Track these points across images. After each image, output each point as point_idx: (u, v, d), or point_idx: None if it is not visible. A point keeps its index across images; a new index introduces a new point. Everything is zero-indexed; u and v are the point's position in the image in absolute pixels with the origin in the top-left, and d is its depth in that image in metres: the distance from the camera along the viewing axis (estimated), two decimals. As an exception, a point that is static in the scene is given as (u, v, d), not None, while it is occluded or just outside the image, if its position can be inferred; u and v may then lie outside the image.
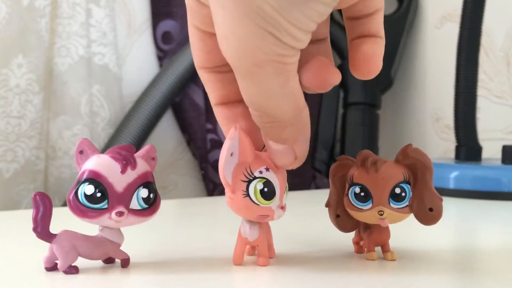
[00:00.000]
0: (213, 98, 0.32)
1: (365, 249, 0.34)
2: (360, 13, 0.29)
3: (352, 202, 0.32)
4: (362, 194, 0.32)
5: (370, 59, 0.29)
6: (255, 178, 0.30)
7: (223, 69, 0.31)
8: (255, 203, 0.30)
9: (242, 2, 0.24)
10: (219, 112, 0.32)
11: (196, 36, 0.30)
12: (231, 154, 0.30)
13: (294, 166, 0.30)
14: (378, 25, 0.29)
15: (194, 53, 0.31)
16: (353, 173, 0.32)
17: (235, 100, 0.31)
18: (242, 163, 0.30)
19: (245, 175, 0.30)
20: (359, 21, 0.29)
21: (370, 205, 0.31)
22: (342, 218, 0.33)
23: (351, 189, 0.32)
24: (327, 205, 0.34)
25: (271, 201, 0.30)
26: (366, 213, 0.32)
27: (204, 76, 0.32)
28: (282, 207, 0.30)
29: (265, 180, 0.30)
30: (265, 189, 0.30)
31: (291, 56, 0.26)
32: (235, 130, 0.29)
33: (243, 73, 0.26)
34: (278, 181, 0.30)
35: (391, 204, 0.31)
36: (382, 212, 0.31)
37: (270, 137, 0.29)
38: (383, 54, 0.29)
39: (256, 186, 0.30)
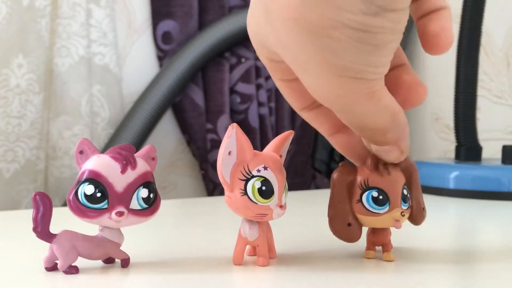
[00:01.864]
0: (324, 132, 0.33)
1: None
2: None
3: (368, 207, 0.31)
4: (381, 197, 0.31)
5: (440, 36, 0.29)
6: (253, 176, 0.30)
7: (319, 104, 0.32)
8: (253, 202, 0.30)
9: (326, 65, 0.26)
10: (336, 142, 0.33)
11: (284, 87, 0.32)
12: (229, 153, 0.30)
13: (402, 159, 0.31)
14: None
15: (289, 101, 0.33)
16: (367, 178, 0.31)
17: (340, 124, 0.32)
18: (240, 162, 0.30)
19: (243, 174, 0.30)
20: (420, 1, 0.29)
21: (387, 208, 0.31)
22: (353, 227, 0.32)
23: (366, 194, 0.31)
24: (330, 216, 0.32)
25: (269, 199, 0.30)
26: (382, 217, 0.31)
27: (306, 116, 0.33)
28: (281, 206, 0.30)
29: (263, 178, 0.30)
30: (263, 188, 0.30)
31: (377, 81, 0.27)
32: (232, 128, 0.30)
33: (339, 111, 0.28)
34: (277, 180, 0.30)
35: (402, 206, 0.31)
36: (404, 213, 0.31)
37: (373, 143, 0.30)
38: (451, 24, 0.29)
39: (254, 184, 0.30)
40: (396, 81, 0.30)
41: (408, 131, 0.30)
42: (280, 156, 0.32)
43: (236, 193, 0.30)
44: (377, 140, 0.30)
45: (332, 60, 0.25)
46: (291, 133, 0.33)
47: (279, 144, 0.32)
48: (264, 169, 0.30)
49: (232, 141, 0.30)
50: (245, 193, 0.30)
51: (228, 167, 0.30)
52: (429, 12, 0.29)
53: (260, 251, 0.31)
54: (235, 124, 0.30)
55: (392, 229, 0.33)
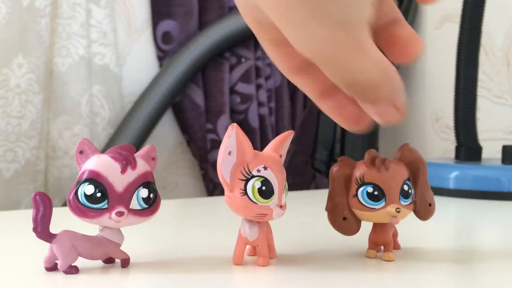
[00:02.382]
0: (314, 95, 0.32)
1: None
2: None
3: (363, 202, 0.32)
4: (376, 193, 0.31)
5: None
6: (253, 176, 0.30)
7: (309, 69, 0.31)
8: (253, 202, 0.30)
9: (308, 12, 0.25)
10: (322, 106, 0.32)
11: (271, 49, 0.31)
12: (229, 153, 0.30)
13: (400, 118, 0.29)
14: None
15: (277, 63, 0.32)
16: (363, 173, 0.32)
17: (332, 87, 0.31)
18: (240, 162, 0.30)
19: (243, 174, 0.30)
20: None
21: (383, 203, 0.31)
22: (348, 221, 0.32)
23: (361, 189, 0.32)
24: (328, 209, 0.33)
25: (269, 199, 0.30)
26: (378, 213, 0.31)
27: (295, 79, 0.32)
28: (281, 206, 0.30)
29: (263, 178, 0.30)
30: (263, 188, 0.30)
31: (362, 31, 0.26)
32: (232, 128, 0.30)
33: (326, 66, 0.27)
34: (277, 180, 0.30)
35: (401, 201, 0.31)
36: (399, 209, 0.31)
37: (367, 102, 0.28)
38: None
39: (254, 184, 0.30)
40: (391, 36, 0.29)
41: (402, 88, 0.29)
42: (280, 156, 0.32)
43: (236, 193, 0.30)
44: (370, 98, 0.28)
45: (313, 5, 0.25)
46: (291, 133, 0.33)
47: (279, 144, 0.32)
48: (264, 169, 0.30)
49: (232, 141, 0.30)
50: (245, 193, 0.30)
51: (228, 167, 0.30)
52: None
53: (260, 251, 0.31)
54: (235, 124, 0.30)
55: (398, 229, 0.34)
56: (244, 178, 0.30)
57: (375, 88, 0.28)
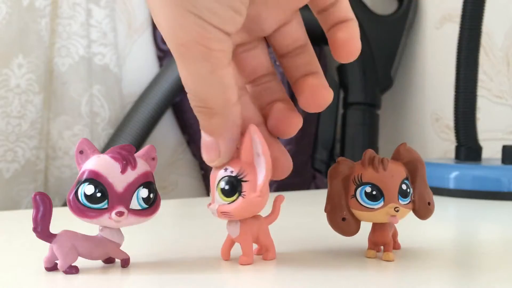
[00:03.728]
0: None
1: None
2: (325, 4, 0.31)
3: (362, 202, 0.32)
4: (374, 193, 0.31)
5: (348, 44, 0.30)
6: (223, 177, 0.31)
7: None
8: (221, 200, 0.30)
9: None
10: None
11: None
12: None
13: (218, 164, 0.30)
14: (345, 9, 0.31)
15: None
16: (361, 173, 0.32)
17: None
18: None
19: None
20: (328, 12, 0.31)
21: (382, 203, 0.31)
22: (348, 222, 0.32)
23: (359, 189, 0.32)
24: (327, 210, 0.33)
25: (230, 198, 0.30)
26: (377, 212, 0.31)
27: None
28: (208, 204, 0.31)
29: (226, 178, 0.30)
30: (226, 187, 0.30)
31: (217, 41, 0.26)
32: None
33: (174, 53, 0.27)
34: (210, 179, 0.31)
35: (399, 201, 0.31)
36: (398, 209, 0.31)
37: (200, 124, 0.30)
38: (358, 33, 0.31)
39: (220, 184, 0.30)
40: (302, 84, 0.31)
41: (236, 138, 0.30)
42: (258, 154, 0.31)
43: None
44: (203, 121, 0.29)
45: None
46: (251, 130, 0.32)
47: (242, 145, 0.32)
48: (225, 170, 0.31)
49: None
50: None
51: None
52: (337, 22, 0.31)
53: (242, 248, 0.32)
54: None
55: (398, 229, 0.34)
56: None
57: (210, 113, 0.29)
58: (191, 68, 0.27)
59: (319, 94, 0.31)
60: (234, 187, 0.30)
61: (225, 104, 0.28)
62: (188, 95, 0.29)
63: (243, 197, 0.30)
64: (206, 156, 0.30)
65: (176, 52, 0.27)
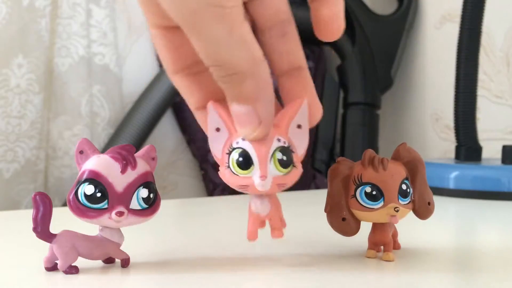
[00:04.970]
0: (192, 104, 0.32)
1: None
2: None
3: (362, 202, 0.32)
4: (374, 193, 0.31)
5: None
6: (234, 149, 0.29)
7: (195, 69, 0.30)
8: (235, 174, 0.29)
9: None
10: (200, 117, 0.32)
11: (158, 37, 0.30)
12: (217, 129, 0.30)
13: (260, 134, 0.28)
14: None
15: (163, 58, 0.31)
16: (361, 173, 0.32)
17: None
18: (230, 135, 0.30)
19: (228, 148, 0.30)
20: None
21: (382, 203, 0.31)
22: (348, 222, 0.32)
23: (359, 189, 0.32)
24: (327, 210, 0.33)
25: (248, 170, 0.29)
26: (377, 212, 0.31)
27: (178, 82, 0.31)
28: (262, 176, 0.29)
29: (240, 150, 0.29)
30: (240, 159, 0.29)
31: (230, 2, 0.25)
32: (209, 105, 0.30)
33: (185, 26, 0.26)
34: (255, 150, 0.29)
35: (399, 201, 0.31)
36: (398, 209, 0.31)
37: (231, 96, 0.28)
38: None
39: (233, 156, 0.29)
40: (314, 14, 0.29)
41: (272, 98, 0.28)
42: (299, 126, 0.30)
43: (223, 167, 0.30)
44: (234, 91, 0.27)
45: None
46: (301, 102, 0.30)
47: (285, 115, 0.30)
48: (242, 140, 0.29)
49: (213, 116, 0.30)
50: (228, 165, 0.29)
51: (216, 144, 0.30)
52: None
53: (274, 224, 0.31)
54: (212, 101, 0.30)
55: (398, 229, 0.33)
56: (228, 152, 0.29)
57: (241, 78, 0.27)
58: (208, 34, 0.25)
59: (333, 25, 0.29)
60: (291, 158, 0.29)
61: (254, 62, 0.26)
62: (211, 69, 0.27)
63: (296, 167, 0.29)
64: (245, 129, 0.28)
65: (186, 24, 0.25)
